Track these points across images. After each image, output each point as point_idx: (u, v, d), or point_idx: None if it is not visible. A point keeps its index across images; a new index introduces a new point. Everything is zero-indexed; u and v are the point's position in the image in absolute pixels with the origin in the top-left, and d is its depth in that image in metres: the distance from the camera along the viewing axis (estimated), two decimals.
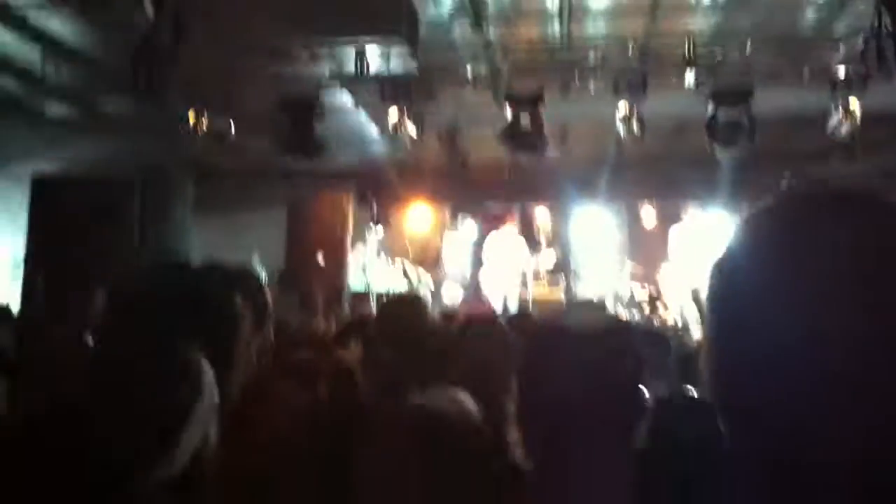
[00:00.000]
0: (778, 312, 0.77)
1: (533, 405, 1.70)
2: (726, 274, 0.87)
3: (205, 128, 9.32)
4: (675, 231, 13.23)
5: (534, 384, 1.71)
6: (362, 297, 12.88)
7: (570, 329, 1.70)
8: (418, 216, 14.42)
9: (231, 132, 9.58)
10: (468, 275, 14.18)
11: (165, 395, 1.59)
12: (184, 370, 1.64)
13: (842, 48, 8.28)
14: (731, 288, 0.86)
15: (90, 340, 3.61)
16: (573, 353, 1.65)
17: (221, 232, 13.05)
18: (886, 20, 7.02)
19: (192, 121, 9.27)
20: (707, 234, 12.90)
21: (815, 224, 0.81)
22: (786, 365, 0.76)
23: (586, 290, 13.37)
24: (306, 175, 12.68)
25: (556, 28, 9.12)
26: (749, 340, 0.80)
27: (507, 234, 13.24)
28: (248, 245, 12.86)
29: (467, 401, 2.21)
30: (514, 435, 1.77)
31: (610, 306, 12.91)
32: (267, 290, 2.96)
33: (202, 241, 12.57)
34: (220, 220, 13.37)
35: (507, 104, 8.99)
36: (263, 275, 11.98)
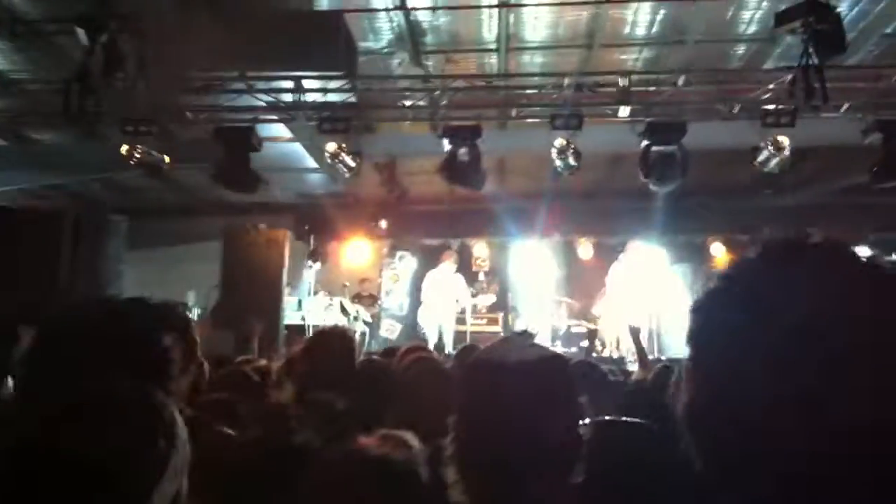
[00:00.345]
0: (753, 346, 0.92)
1: (470, 442, 1.67)
2: (710, 314, 1.02)
3: (139, 160, 9.10)
4: (613, 268, 13.34)
5: (469, 421, 1.68)
6: (298, 331, 12.72)
7: (504, 364, 1.67)
8: (356, 251, 14.36)
9: (165, 164, 9.39)
10: (406, 310, 14.16)
11: (140, 446, 1.45)
12: (158, 420, 1.50)
13: (772, 83, 8.50)
14: (714, 327, 1.00)
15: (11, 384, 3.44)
16: (507, 388, 1.63)
17: (155, 266, 12.80)
18: (814, 56, 7.23)
19: (125, 152, 9.06)
20: (643, 269, 13.05)
21: (785, 273, 0.97)
22: (759, 387, 0.91)
23: (525, 324, 13.38)
24: (242, 208, 12.54)
25: (493, 61, 9.22)
26: (729, 371, 0.95)
27: (445, 271, 13.19)
28: (183, 280, 12.65)
29: (412, 442, 2.17)
30: (451, 474, 1.71)
31: (547, 340, 13.00)
32: (194, 326, 2.89)
33: (136, 276, 12.30)
34: (154, 254, 13.13)
35: (445, 137, 9.00)
36: (197, 311, 11.81)
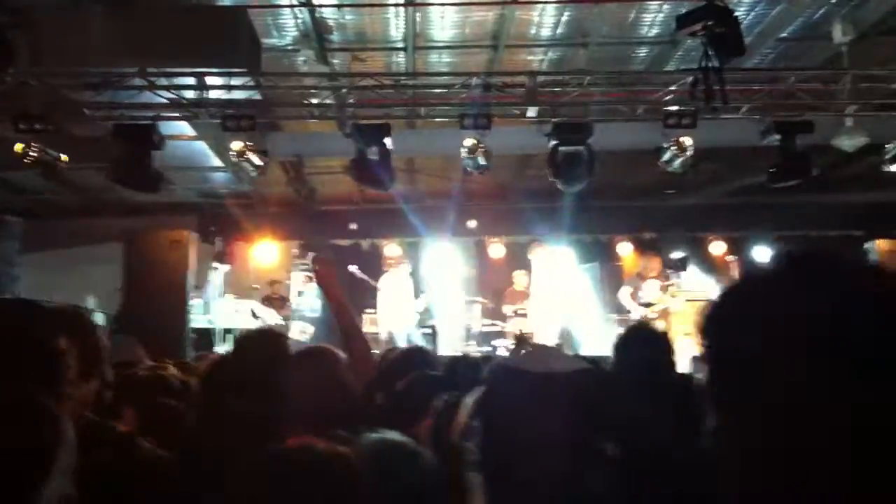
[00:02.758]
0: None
1: (499, 448, 1.63)
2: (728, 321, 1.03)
3: (34, 159, 8.72)
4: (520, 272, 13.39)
5: (500, 427, 1.64)
6: (205, 335, 12.47)
7: (533, 371, 1.65)
8: (264, 252, 14.12)
9: (62, 163, 9.04)
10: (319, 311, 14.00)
11: (25, 441, 1.42)
12: (42, 416, 1.47)
13: (674, 85, 8.67)
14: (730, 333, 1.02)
15: None
16: (538, 395, 1.60)
17: (53, 270, 12.36)
18: (714, 59, 7.39)
19: (19, 151, 8.67)
20: (548, 271, 13.16)
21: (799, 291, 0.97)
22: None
23: (438, 325, 13.33)
24: (144, 209, 12.21)
25: (401, 60, 9.18)
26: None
27: (401, 275, 12.94)
28: (82, 285, 12.25)
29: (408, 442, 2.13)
30: (475, 480, 1.68)
31: (460, 340, 13.04)
32: (100, 331, 2.78)
33: (32, 279, 11.87)
34: (51, 257, 12.68)
35: (353, 136, 8.90)
36: (100, 316, 11.43)
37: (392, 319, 12.57)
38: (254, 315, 12.79)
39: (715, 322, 1.05)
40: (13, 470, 1.39)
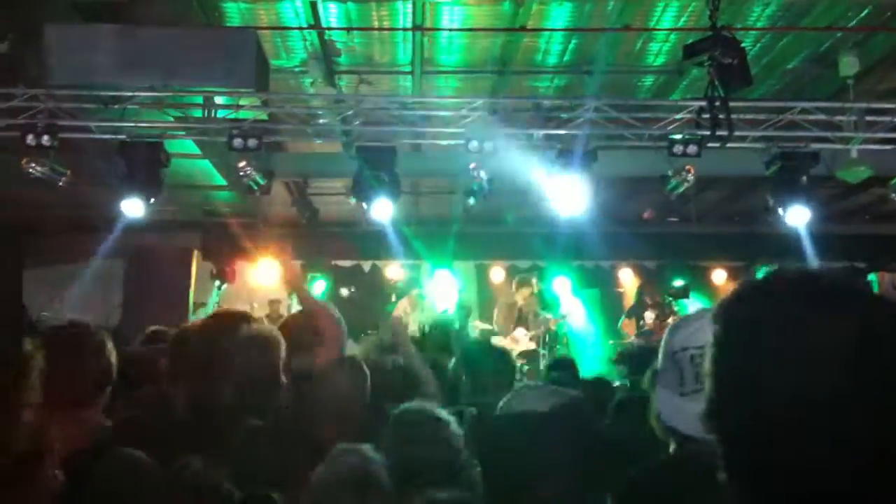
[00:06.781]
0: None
1: (501, 492, 1.62)
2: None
3: (37, 174, 8.68)
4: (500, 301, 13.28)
5: (499, 472, 1.64)
6: None
7: (526, 414, 1.64)
8: (265, 271, 14.07)
9: (67, 179, 9.01)
10: None
11: None
12: None
13: (679, 113, 8.67)
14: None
15: None
16: (532, 437, 1.60)
17: (52, 285, 12.34)
18: (719, 89, 7.41)
19: (24, 166, 8.63)
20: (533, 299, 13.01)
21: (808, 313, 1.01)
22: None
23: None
24: (147, 226, 12.18)
25: (408, 83, 9.20)
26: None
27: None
28: (82, 299, 12.21)
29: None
30: None
31: None
32: (109, 347, 2.79)
33: (31, 294, 11.83)
34: (52, 273, 12.65)
35: (358, 158, 8.90)
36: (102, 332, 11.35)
37: None
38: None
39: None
40: None
